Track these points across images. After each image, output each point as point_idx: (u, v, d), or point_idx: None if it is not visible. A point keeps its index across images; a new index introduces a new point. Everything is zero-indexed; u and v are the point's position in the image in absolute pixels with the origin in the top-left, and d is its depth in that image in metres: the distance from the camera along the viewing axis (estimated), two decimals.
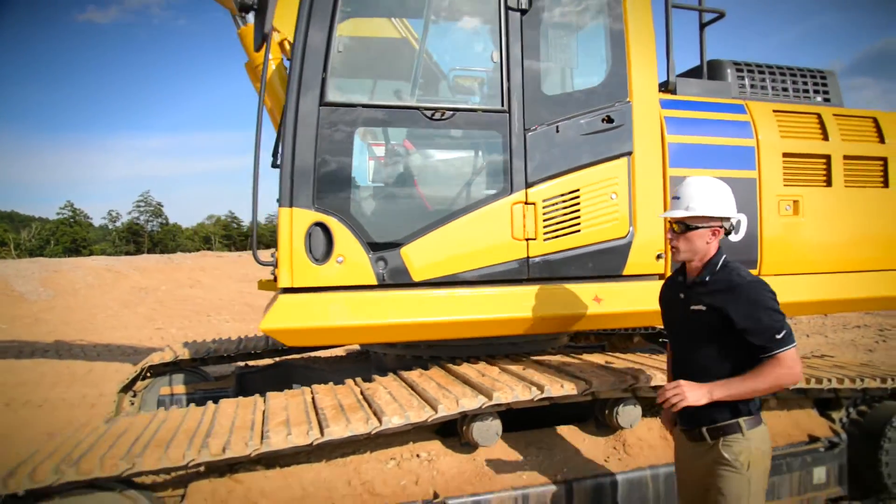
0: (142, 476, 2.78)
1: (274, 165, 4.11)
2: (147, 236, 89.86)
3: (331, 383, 3.55)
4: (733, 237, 2.80)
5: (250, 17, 4.38)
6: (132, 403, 5.54)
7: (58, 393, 8.26)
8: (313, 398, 3.28)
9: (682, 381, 2.47)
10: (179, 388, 5.55)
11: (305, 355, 5.71)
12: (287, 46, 4.37)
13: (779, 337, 2.40)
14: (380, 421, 2.74)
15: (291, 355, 5.71)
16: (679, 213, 2.58)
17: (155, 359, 5.46)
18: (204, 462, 2.62)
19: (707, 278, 2.61)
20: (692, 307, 2.63)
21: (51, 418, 7.03)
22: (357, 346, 5.71)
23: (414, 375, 3.48)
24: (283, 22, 4.31)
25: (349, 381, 3.58)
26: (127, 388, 5.48)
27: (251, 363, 5.99)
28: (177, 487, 3.20)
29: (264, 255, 3.87)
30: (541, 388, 2.97)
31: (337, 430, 2.71)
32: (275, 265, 4.59)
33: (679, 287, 2.75)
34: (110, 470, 2.59)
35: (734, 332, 2.47)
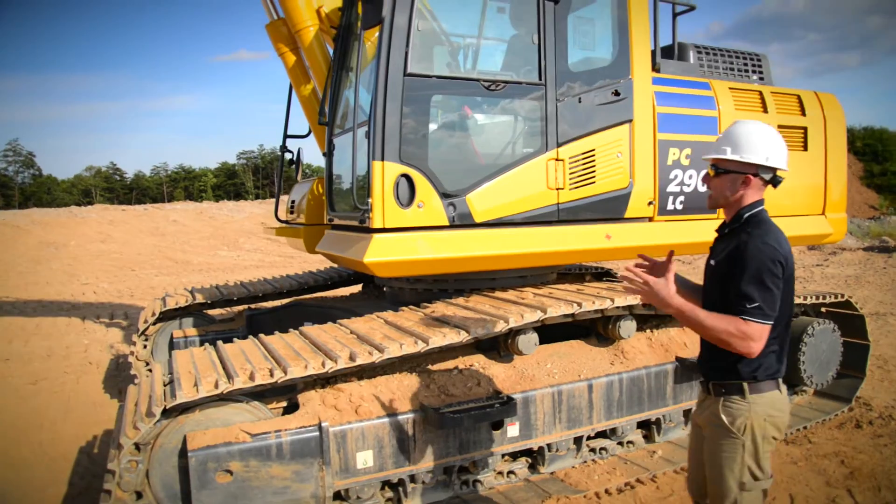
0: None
1: (321, 123, 4.59)
2: (17, 189, 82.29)
3: (388, 311, 4.24)
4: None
5: None
6: (145, 347, 5.88)
7: (18, 348, 8.16)
8: (386, 322, 3.96)
9: (650, 278, 2.40)
10: (191, 331, 5.91)
11: (315, 295, 6.27)
12: (323, 14, 4.83)
13: (749, 306, 2.29)
14: (468, 332, 3.48)
15: (302, 296, 6.24)
16: (709, 155, 2.56)
17: (170, 303, 5.80)
18: (340, 369, 3.24)
19: (727, 230, 2.58)
20: (710, 260, 2.62)
21: (28, 369, 7.06)
22: (366, 284, 6.35)
23: (461, 300, 4.23)
24: None
25: (404, 308, 4.28)
26: (141, 332, 5.81)
27: (254, 306, 6.47)
28: (280, 400, 3.82)
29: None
30: (579, 304, 3.82)
31: (436, 340, 3.42)
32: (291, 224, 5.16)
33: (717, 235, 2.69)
34: (243, 383, 3.12)
35: None
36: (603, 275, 7.53)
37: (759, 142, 2.47)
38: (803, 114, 5.47)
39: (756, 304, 2.29)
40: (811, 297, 5.12)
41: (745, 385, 2.44)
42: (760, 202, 2.54)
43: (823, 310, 5.63)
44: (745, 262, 2.35)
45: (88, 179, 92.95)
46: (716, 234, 2.67)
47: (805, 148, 5.45)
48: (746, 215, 2.50)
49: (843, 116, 5.73)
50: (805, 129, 5.45)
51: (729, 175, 2.51)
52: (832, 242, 6.44)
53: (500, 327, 3.55)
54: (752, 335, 2.29)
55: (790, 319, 2.55)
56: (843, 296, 5.38)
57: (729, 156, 2.49)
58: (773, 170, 2.50)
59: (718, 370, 2.53)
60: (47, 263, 16.61)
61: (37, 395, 6.17)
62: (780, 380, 2.51)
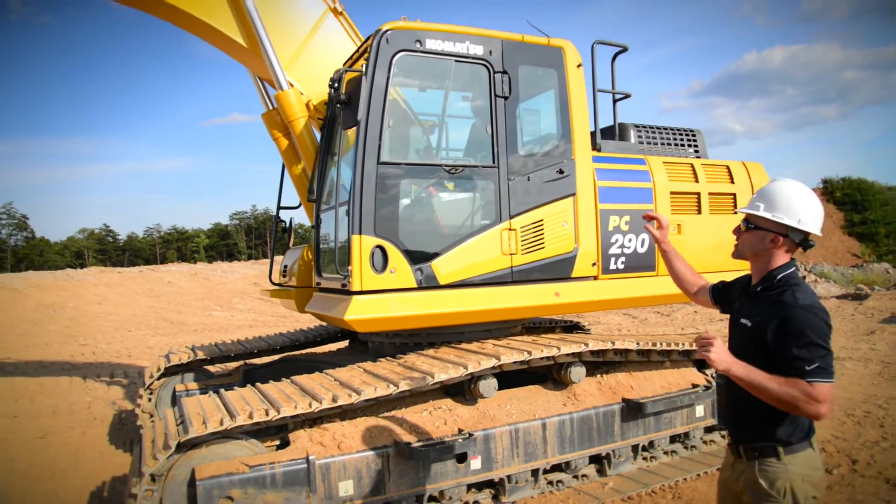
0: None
1: (310, 200, 5.34)
2: (10, 251, 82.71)
3: (368, 362, 4.88)
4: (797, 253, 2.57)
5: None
6: (149, 400, 6.44)
7: (24, 405, 8.64)
8: (365, 370, 4.60)
9: (718, 340, 2.32)
10: (192, 385, 6.48)
11: (306, 351, 6.89)
12: (311, 107, 5.65)
13: (808, 368, 2.25)
14: (433, 377, 4.13)
15: (293, 352, 6.86)
16: (743, 209, 2.56)
17: (173, 359, 6.40)
18: (325, 409, 3.87)
19: (759, 288, 2.56)
20: (741, 320, 2.59)
21: (36, 424, 7.56)
22: (352, 340, 6.97)
23: (430, 352, 4.89)
24: (307, 87, 5.63)
25: (382, 359, 4.92)
26: (147, 386, 6.38)
27: (249, 362, 7.06)
28: (274, 438, 4.42)
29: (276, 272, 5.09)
30: (529, 352, 4.48)
31: (405, 384, 4.06)
32: (283, 286, 5.86)
33: (740, 289, 2.73)
34: (243, 421, 3.75)
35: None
36: (573, 328, 8.18)
37: (794, 203, 2.46)
38: (732, 182, 6.27)
39: (817, 365, 2.25)
40: None
41: (780, 448, 2.43)
42: (792, 262, 2.53)
43: None
44: (798, 326, 2.31)
45: (81, 241, 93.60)
46: (737, 286, 2.74)
47: (735, 212, 6.23)
48: (780, 276, 2.49)
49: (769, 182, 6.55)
50: (734, 194, 6.24)
51: (759, 231, 2.52)
52: None
53: (461, 373, 4.20)
54: (819, 396, 2.22)
55: None
56: None
57: (761, 213, 2.50)
58: (805, 233, 2.48)
59: (751, 434, 2.51)
60: (46, 325, 17.10)
61: (46, 448, 6.67)
62: (812, 438, 2.50)
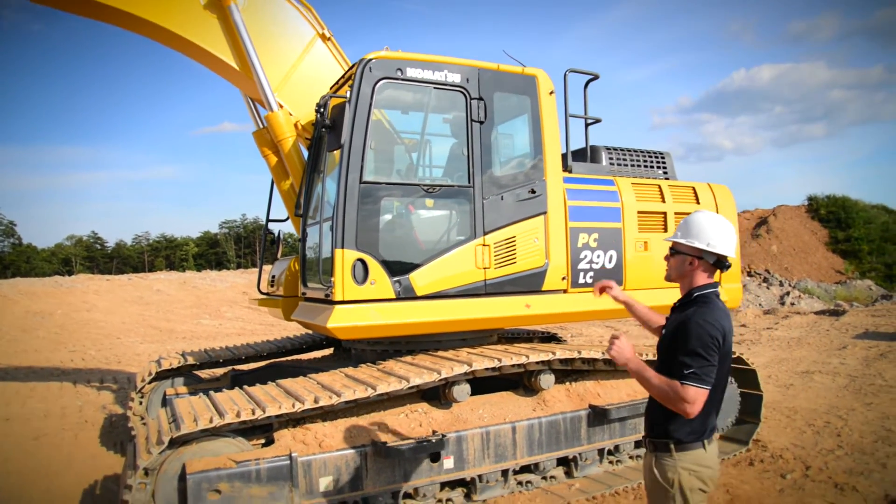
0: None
1: (297, 214, 5.66)
2: None
3: (349, 367, 5.19)
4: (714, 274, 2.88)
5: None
6: (140, 403, 6.71)
7: (16, 409, 8.84)
8: (346, 375, 4.91)
9: (622, 339, 2.74)
10: (182, 389, 6.74)
11: (291, 358, 7.18)
12: (300, 127, 5.99)
13: (685, 372, 2.59)
14: (408, 381, 4.45)
15: (279, 358, 7.16)
16: (666, 237, 3.14)
17: (164, 364, 6.68)
18: (307, 409, 4.18)
19: (679, 305, 2.91)
20: (663, 330, 2.95)
21: (29, 427, 7.77)
22: (337, 348, 7.27)
23: (408, 358, 5.21)
24: (296, 108, 5.97)
25: (363, 365, 5.23)
26: (139, 390, 6.65)
27: (237, 367, 7.34)
28: (260, 437, 4.72)
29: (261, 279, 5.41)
30: (500, 360, 4.81)
31: (382, 387, 4.38)
32: (271, 296, 6.18)
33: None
34: (231, 420, 4.05)
35: None
36: (550, 338, 8.52)
37: (706, 230, 2.83)
38: (697, 202, 6.66)
39: (692, 371, 2.60)
40: None
41: (672, 444, 2.76)
42: (712, 284, 2.87)
43: None
44: (687, 335, 2.66)
45: (69, 248, 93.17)
46: (671, 309, 3.01)
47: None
48: (696, 294, 2.84)
49: (734, 202, 6.94)
50: None
51: (680, 255, 2.91)
52: (730, 308, 7.58)
53: (434, 377, 4.52)
54: (688, 398, 2.57)
55: (724, 389, 2.88)
56: (734, 353, 6.42)
57: (678, 239, 2.91)
58: (717, 255, 2.83)
59: (653, 429, 2.87)
60: (34, 332, 17.23)
61: (39, 450, 6.91)
62: (706, 440, 2.79)
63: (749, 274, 29.24)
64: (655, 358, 3.05)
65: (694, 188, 6.72)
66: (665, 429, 2.80)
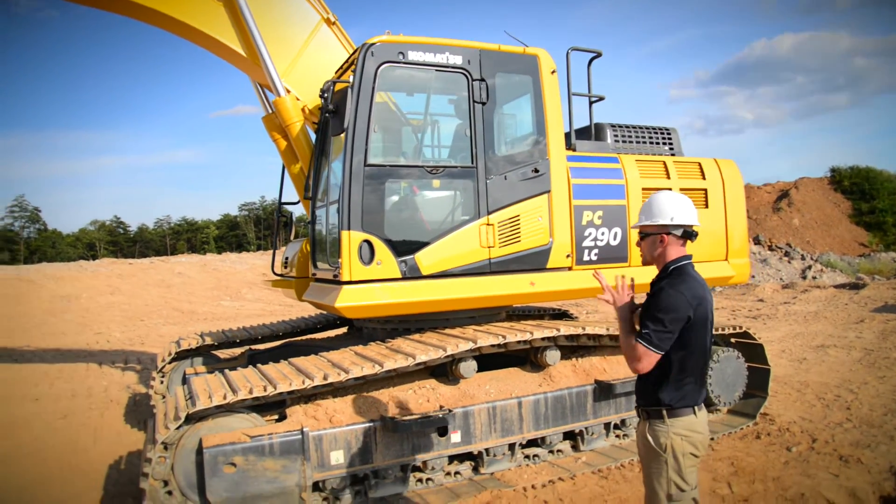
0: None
1: (306, 197, 5.79)
2: (23, 243, 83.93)
3: (359, 345, 5.34)
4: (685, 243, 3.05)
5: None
6: (161, 382, 6.95)
7: (44, 389, 9.18)
8: (355, 352, 5.07)
9: (625, 292, 3.06)
10: (201, 369, 6.96)
11: (306, 337, 7.37)
12: (307, 111, 6.10)
13: (643, 332, 2.84)
14: (414, 358, 4.59)
15: (295, 338, 7.35)
16: (632, 226, 3.35)
17: (184, 345, 6.91)
18: (317, 385, 4.34)
19: (656, 279, 3.08)
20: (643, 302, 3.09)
21: (57, 407, 8.09)
22: (350, 327, 7.44)
23: (416, 336, 5.35)
24: (303, 93, 6.07)
25: (372, 343, 5.38)
26: (160, 370, 6.90)
27: (254, 347, 7.55)
28: (273, 413, 4.90)
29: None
30: (504, 336, 4.93)
31: (389, 364, 4.52)
32: (285, 277, 6.34)
33: None
34: (244, 396, 4.23)
35: None
36: (561, 315, 8.61)
37: (665, 206, 3.02)
38: (703, 178, 6.66)
39: (647, 332, 2.82)
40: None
41: (664, 411, 2.92)
42: (686, 256, 3.04)
43: (733, 340, 6.70)
44: (657, 301, 2.88)
45: (93, 233, 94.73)
46: (650, 285, 3.12)
47: (706, 206, 6.63)
48: (672, 267, 3.01)
49: (741, 177, 6.93)
50: (705, 190, 6.64)
51: (649, 237, 3.07)
52: (738, 283, 7.60)
53: (440, 354, 4.65)
54: (635, 355, 2.83)
55: (707, 356, 3.03)
56: (741, 328, 6.47)
57: (643, 222, 3.09)
58: (682, 226, 3.02)
59: (645, 397, 3.03)
60: (61, 315, 17.72)
61: (67, 428, 7.21)
62: (696, 407, 2.97)
63: (770, 248, 28.94)
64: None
65: (700, 164, 6.72)
66: (657, 397, 2.96)
